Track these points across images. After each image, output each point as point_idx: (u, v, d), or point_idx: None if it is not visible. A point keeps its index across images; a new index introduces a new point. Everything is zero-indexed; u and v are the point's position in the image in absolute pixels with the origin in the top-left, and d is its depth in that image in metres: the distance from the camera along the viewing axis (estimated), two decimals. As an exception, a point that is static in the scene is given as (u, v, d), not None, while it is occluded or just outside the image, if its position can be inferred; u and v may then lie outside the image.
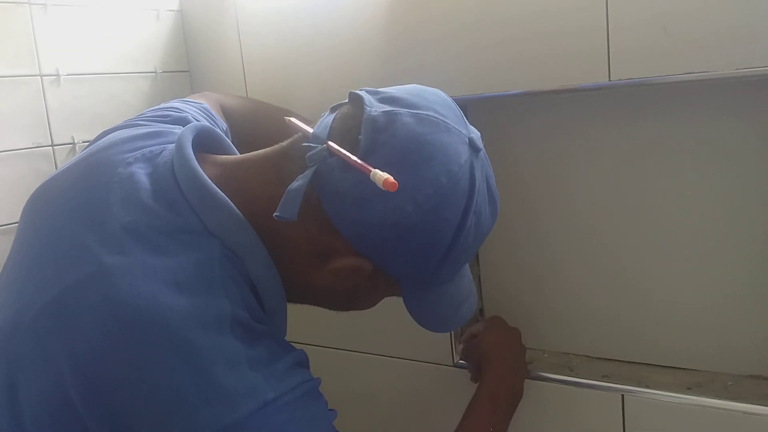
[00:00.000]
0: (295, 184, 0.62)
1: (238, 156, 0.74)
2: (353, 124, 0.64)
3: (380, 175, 0.58)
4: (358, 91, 0.67)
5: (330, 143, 0.63)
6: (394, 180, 0.58)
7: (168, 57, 1.30)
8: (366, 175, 0.59)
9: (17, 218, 1.06)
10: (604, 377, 1.02)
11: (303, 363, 0.67)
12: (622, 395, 0.97)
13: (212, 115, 0.91)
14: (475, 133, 0.68)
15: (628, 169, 1.01)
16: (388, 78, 1.07)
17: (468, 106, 1.11)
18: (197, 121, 0.84)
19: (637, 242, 1.02)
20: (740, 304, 0.97)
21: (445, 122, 0.65)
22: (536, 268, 1.12)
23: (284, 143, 0.70)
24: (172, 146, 0.71)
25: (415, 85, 0.71)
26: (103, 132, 0.80)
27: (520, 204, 1.10)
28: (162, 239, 0.62)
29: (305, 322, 0.97)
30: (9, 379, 0.61)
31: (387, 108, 0.64)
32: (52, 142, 1.12)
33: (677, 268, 1.00)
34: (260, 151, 0.71)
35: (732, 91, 0.92)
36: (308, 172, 0.63)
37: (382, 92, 0.67)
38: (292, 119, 0.71)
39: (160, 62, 1.29)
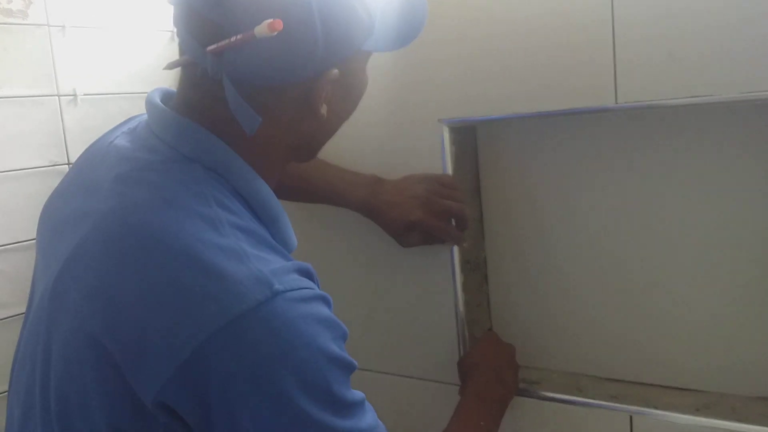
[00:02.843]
0: (231, 101, 0.64)
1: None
2: (199, 19, 0.64)
3: (262, 27, 0.59)
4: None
5: (207, 49, 0.64)
6: (272, 21, 0.59)
7: (182, 78, 1.32)
8: (254, 38, 0.60)
9: (34, 235, 1.09)
10: (613, 398, 1.02)
11: (311, 275, 0.67)
12: (631, 416, 0.97)
13: None
14: None
15: (635, 190, 1.02)
16: (400, 100, 1.08)
17: (476, 128, 1.13)
18: None
19: (646, 264, 1.03)
20: (749, 326, 0.97)
21: None
22: (545, 289, 1.13)
23: (187, 80, 0.71)
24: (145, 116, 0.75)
25: None
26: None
27: (528, 224, 1.11)
28: (148, 175, 0.65)
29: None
30: (45, 346, 0.64)
31: None
32: (68, 160, 1.14)
33: (686, 290, 1.01)
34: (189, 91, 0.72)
35: (737, 114, 0.93)
36: (226, 84, 0.64)
37: None
38: (169, 62, 0.72)
39: (175, 82, 1.31)
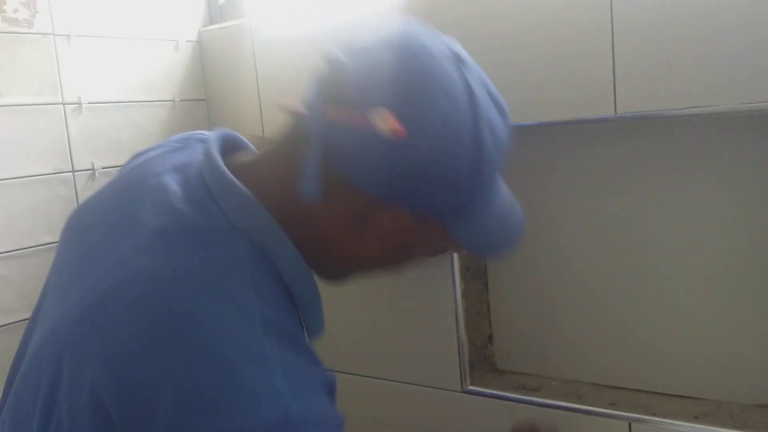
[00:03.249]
0: (308, 164, 0.63)
1: (257, 154, 0.74)
2: (339, 84, 0.64)
3: (384, 124, 0.58)
4: (332, 53, 0.67)
5: (324, 108, 0.63)
6: (399, 126, 0.58)
7: (186, 86, 1.34)
8: (371, 129, 0.59)
9: (39, 242, 1.11)
10: (612, 405, 1.03)
11: (332, 389, 0.65)
12: (630, 423, 0.98)
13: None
14: (454, 44, 0.67)
15: (634, 199, 1.02)
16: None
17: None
18: None
19: (645, 272, 1.03)
20: (748, 334, 0.97)
21: (423, 45, 0.64)
22: (545, 297, 1.13)
23: (286, 129, 0.70)
24: (201, 156, 0.72)
25: (380, 24, 0.70)
26: (136, 154, 0.82)
27: (527, 234, 1.12)
28: (191, 238, 0.63)
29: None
30: (52, 381, 0.61)
31: (366, 58, 0.64)
32: (72, 168, 1.15)
33: (685, 297, 1.01)
34: (272, 144, 0.72)
35: (736, 125, 0.94)
36: (315, 146, 0.63)
37: (355, 46, 0.66)
38: (284, 103, 0.71)
39: (178, 91, 1.32)
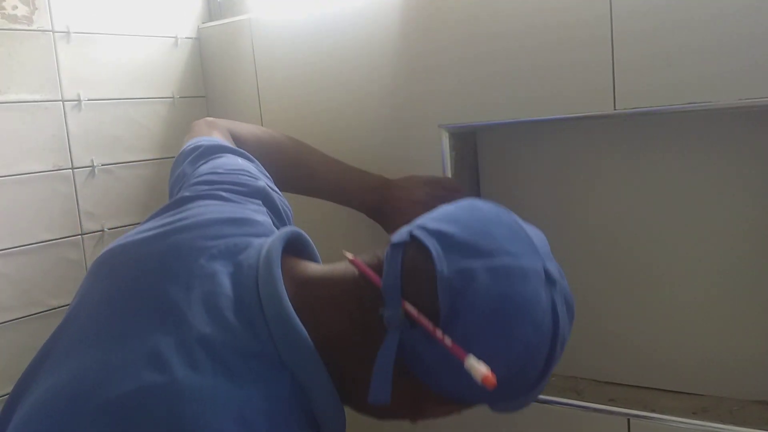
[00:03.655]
0: (381, 362, 0.61)
1: (318, 272, 0.71)
2: (426, 283, 0.61)
3: (477, 369, 0.57)
4: (419, 235, 0.64)
5: (407, 306, 0.61)
6: (492, 378, 0.56)
7: (185, 83, 1.34)
8: (460, 360, 0.58)
9: (39, 239, 1.11)
10: (611, 401, 1.03)
11: None
12: (629, 419, 0.98)
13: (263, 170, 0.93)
14: (548, 259, 0.66)
15: (634, 195, 1.03)
16: (400, 105, 1.09)
17: (476, 133, 1.14)
18: (271, 188, 0.86)
19: (644, 268, 1.04)
20: (747, 330, 0.98)
21: (520, 266, 0.62)
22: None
23: (356, 274, 0.67)
24: (257, 243, 0.70)
25: (469, 205, 0.69)
26: (184, 197, 0.79)
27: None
28: (236, 361, 0.60)
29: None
30: None
31: (459, 265, 0.61)
32: (72, 165, 1.15)
33: (684, 293, 1.01)
34: (336, 274, 0.69)
35: (734, 120, 0.94)
36: (391, 345, 0.61)
37: (444, 233, 0.63)
38: (356, 259, 0.67)
39: (178, 88, 1.32)
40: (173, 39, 1.31)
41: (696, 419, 0.95)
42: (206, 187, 0.81)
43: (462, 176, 1.11)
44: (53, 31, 1.13)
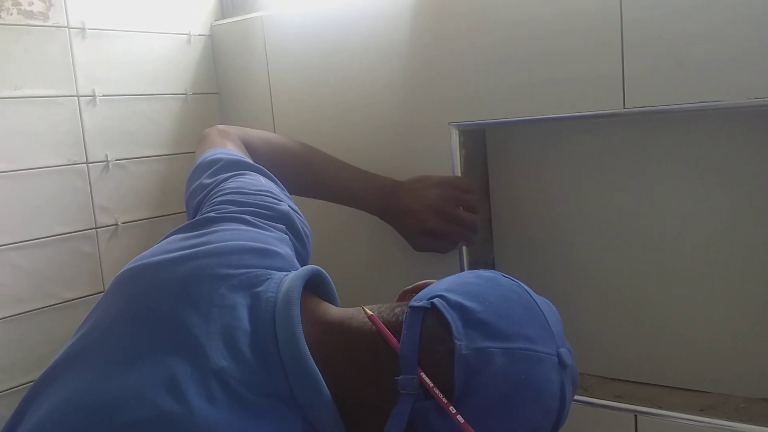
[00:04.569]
0: (392, 425, 0.62)
1: (335, 317, 0.71)
2: (443, 357, 0.62)
3: None
4: (439, 306, 0.64)
5: (423, 377, 0.62)
6: None
7: (198, 80, 1.35)
8: None
9: (53, 232, 1.12)
10: (618, 398, 1.03)
11: None
12: (635, 415, 0.98)
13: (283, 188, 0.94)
14: (561, 342, 0.67)
15: (642, 194, 1.03)
16: (410, 103, 1.10)
17: (486, 131, 1.14)
18: (293, 210, 0.86)
19: (651, 266, 1.04)
20: (754, 328, 0.98)
21: (537, 352, 0.63)
22: (552, 290, 1.13)
23: (373, 330, 0.67)
24: (277, 277, 0.71)
25: (491, 279, 0.70)
26: (210, 217, 0.80)
27: (536, 227, 1.13)
28: (251, 398, 0.62)
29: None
30: None
31: (478, 344, 0.62)
32: (86, 159, 1.17)
33: (690, 292, 1.02)
34: (354, 325, 0.69)
35: (744, 120, 0.94)
36: (403, 411, 0.62)
37: (465, 307, 0.64)
38: (374, 317, 0.68)
39: (191, 85, 1.33)
40: (186, 36, 1.33)
41: (703, 416, 0.95)
42: (232, 208, 0.82)
43: (471, 174, 1.12)
44: (69, 27, 1.15)
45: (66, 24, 1.14)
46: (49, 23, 1.12)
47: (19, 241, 1.08)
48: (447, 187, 1.06)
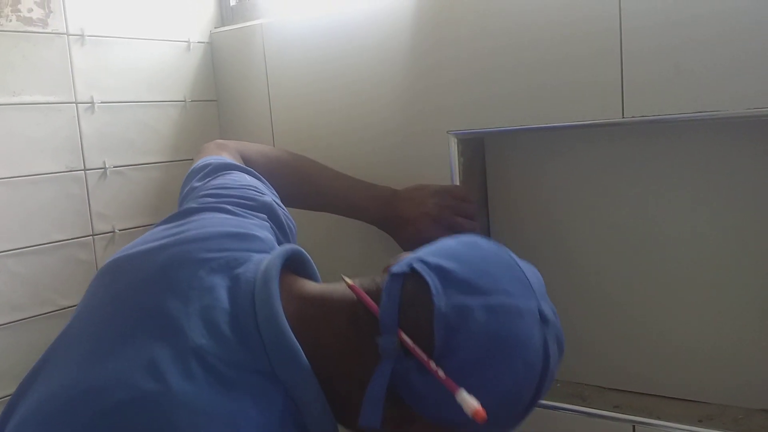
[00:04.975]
0: (374, 391, 0.62)
1: (316, 290, 0.72)
2: (423, 316, 0.62)
3: (468, 403, 0.58)
4: (419, 268, 0.65)
5: (403, 336, 0.62)
6: (483, 412, 0.58)
7: (197, 87, 1.35)
8: (450, 392, 0.59)
9: (51, 239, 1.12)
10: (616, 408, 1.03)
11: None
12: (634, 426, 0.98)
13: (271, 188, 0.94)
14: (543, 299, 0.67)
15: (641, 203, 1.03)
16: (409, 111, 1.10)
17: (484, 140, 1.14)
18: (277, 204, 0.87)
19: (650, 276, 1.04)
20: (752, 338, 0.98)
21: (516, 306, 0.64)
22: (550, 299, 1.13)
23: (354, 298, 0.68)
24: (256, 258, 0.71)
25: (470, 242, 0.70)
26: (190, 208, 0.80)
27: (534, 235, 1.13)
28: (230, 374, 0.61)
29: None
30: None
31: (457, 301, 0.62)
32: (84, 166, 1.16)
33: (689, 302, 1.02)
34: (335, 296, 0.70)
35: (743, 129, 0.94)
36: (384, 372, 0.62)
37: (444, 268, 0.65)
38: (354, 285, 0.69)
39: (190, 92, 1.33)
40: (186, 43, 1.33)
41: (701, 427, 0.95)
42: (213, 200, 0.82)
43: (470, 182, 1.12)
44: (68, 34, 1.15)
45: (65, 31, 1.14)
46: (48, 30, 1.12)
47: (15, 248, 1.08)
48: (445, 196, 1.05)
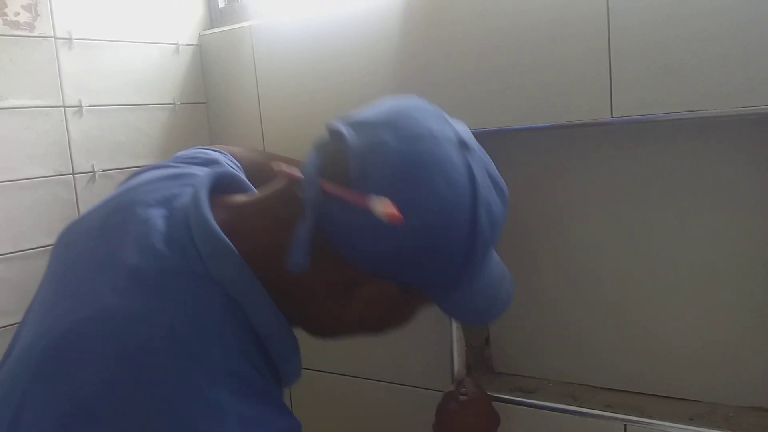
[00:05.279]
0: (299, 232, 0.63)
1: (244, 197, 0.73)
2: (340, 158, 0.63)
3: (382, 209, 0.58)
4: (335, 125, 0.66)
5: (323, 183, 0.63)
6: (397, 213, 0.58)
7: (186, 89, 1.34)
8: (367, 209, 0.59)
9: (39, 243, 1.12)
10: (608, 407, 1.03)
11: None
12: (625, 425, 0.98)
13: (237, 162, 0.93)
14: (462, 129, 0.67)
15: (631, 202, 1.03)
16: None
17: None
18: (228, 164, 0.86)
19: (640, 276, 1.04)
20: (742, 337, 0.98)
21: (430, 131, 0.64)
22: (542, 300, 1.14)
23: (279, 186, 0.70)
24: (191, 189, 0.71)
25: (387, 100, 0.70)
26: (135, 172, 0.81)
27: (525, 236, 1.13)
28: (164, 280, 0.63)
29: (305, 347, 0.99)
30: (16, 410, 0.60)
31: (370, 137, 0.64)
32: (73, 170, 1.16)
33: (679, 301, 1.02)
34: (261, 194, 0.72)
35: (731, 128, 0.94)
36: (308, 216, 0.63)
37: (359, 120, 0.66)
38: (282, 165, 0.70)
39: (179, 94, 1.33)
40: (174, 46, 1.32)
41: (692, 425, 0.95)
42: (158, 163, 0.84)
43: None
44: (55, 38, 1.14)
45: (52, 34, 1.14)
46: (36, 33, 1.11)
47: (3, 252, 1.07)
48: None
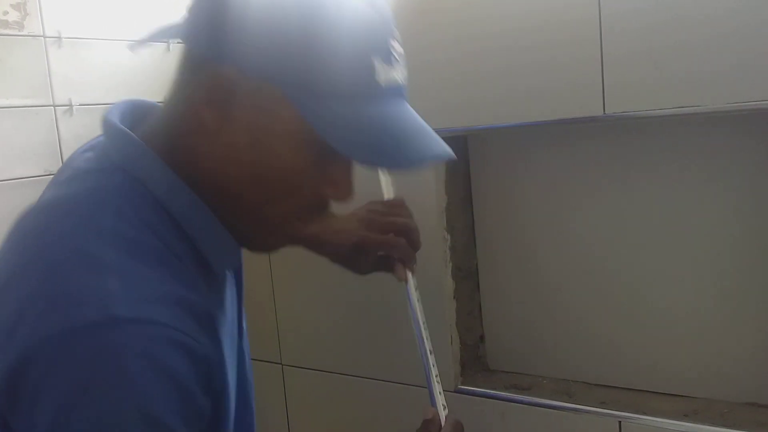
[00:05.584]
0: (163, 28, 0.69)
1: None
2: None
3: None
4: None
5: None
6: None
7: (177, 88, 1.33)
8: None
9: (28, 244, 1.10)
10: (602, 403, 1.03)
11: (194, 310, 0.60)
12: (620, 422, 0.98)
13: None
14: None
15: (623, 199, 1.03)
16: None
17: (467, 137, 1.14)
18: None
19: (634, 271, 1.04)
20: (737, 333, 0.98)
21: None
22: (536, 296, 1.14)
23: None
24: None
25: None
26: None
27: (518, 233, 1.13)
28: (74, 175, 0.66)
29: (299, 345, 0.99)
30: None
31: None
32: (63, 170, 1.15)
33: (674, 297, 1.02)
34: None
35: (723, 125, 0.94)
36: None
37: None
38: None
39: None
40: (165, 44, 1.31)
41: (687, 421, 0.95)
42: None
43: (453, 181, 1.11)
44: (44, 37, 1.13)
45: (42, 33, 1.13)
46: (25, 32, 1.11)
47: (-6, 253, 1.07)
48: (376, 204, 0.98)
